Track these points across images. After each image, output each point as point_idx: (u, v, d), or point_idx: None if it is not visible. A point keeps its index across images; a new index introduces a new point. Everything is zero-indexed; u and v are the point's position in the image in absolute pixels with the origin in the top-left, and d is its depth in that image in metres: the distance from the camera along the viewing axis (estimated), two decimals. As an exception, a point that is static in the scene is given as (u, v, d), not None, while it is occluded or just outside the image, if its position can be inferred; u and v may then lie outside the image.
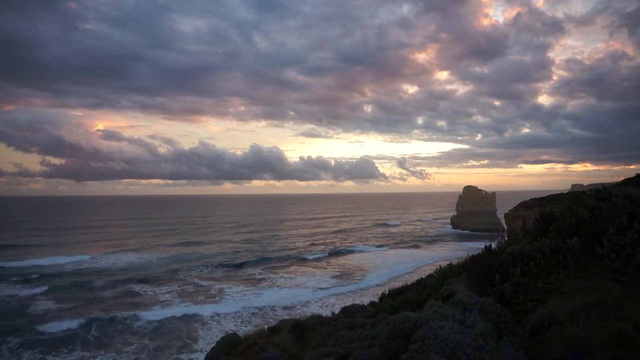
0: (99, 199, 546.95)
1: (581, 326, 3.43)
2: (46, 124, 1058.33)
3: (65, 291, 38.13)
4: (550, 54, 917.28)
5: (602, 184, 7.16)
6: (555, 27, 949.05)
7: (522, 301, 4.38)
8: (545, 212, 6.06)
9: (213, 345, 8.76)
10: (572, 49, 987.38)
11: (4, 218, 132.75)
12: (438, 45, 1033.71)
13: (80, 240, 74.40)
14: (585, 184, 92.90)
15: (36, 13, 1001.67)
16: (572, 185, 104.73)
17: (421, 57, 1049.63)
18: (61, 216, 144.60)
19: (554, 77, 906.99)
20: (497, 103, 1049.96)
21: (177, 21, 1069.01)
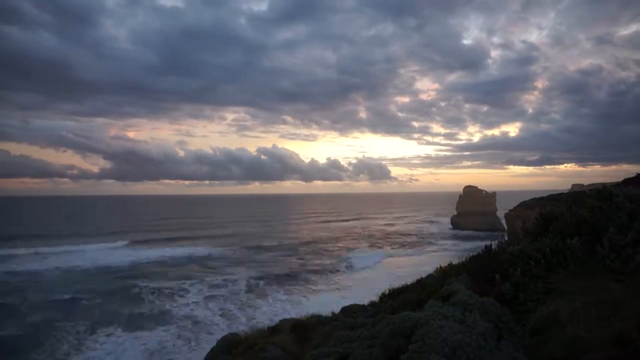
0: (168, 198, 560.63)
1: (581, 326, 3.43)
2: (75, 132, 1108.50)
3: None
4: (532, 67, 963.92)
5: (602, 183, 7.16)
6: (532, 47, 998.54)
7: (522, 301, 4.37)
8: (546, 212, 6.04)
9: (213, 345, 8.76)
10: (551, 61, 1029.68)
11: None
12: (425, 60, 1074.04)
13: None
14: (585, 184, 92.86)
15: (69, 36, 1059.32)
16: (573, 185, 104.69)
17: (411, 69, 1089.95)
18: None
19: (538, 87, 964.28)
20: (485, 109, 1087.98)
21: (190, 41, 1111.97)
